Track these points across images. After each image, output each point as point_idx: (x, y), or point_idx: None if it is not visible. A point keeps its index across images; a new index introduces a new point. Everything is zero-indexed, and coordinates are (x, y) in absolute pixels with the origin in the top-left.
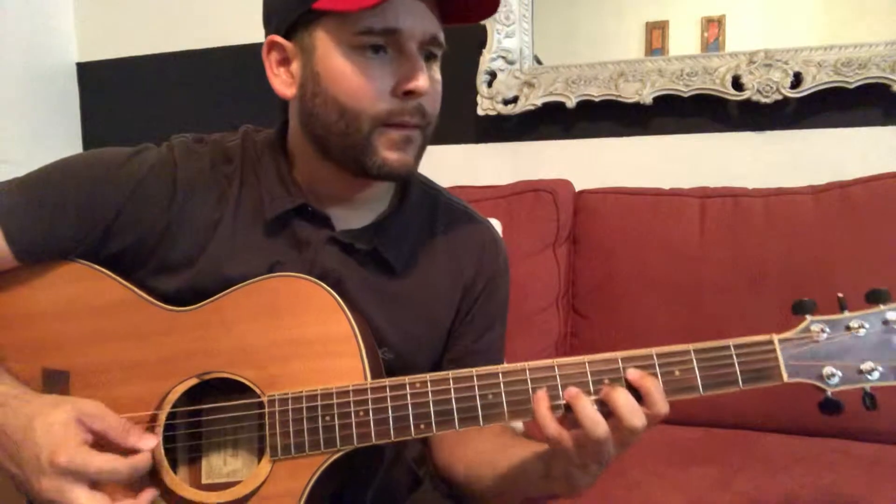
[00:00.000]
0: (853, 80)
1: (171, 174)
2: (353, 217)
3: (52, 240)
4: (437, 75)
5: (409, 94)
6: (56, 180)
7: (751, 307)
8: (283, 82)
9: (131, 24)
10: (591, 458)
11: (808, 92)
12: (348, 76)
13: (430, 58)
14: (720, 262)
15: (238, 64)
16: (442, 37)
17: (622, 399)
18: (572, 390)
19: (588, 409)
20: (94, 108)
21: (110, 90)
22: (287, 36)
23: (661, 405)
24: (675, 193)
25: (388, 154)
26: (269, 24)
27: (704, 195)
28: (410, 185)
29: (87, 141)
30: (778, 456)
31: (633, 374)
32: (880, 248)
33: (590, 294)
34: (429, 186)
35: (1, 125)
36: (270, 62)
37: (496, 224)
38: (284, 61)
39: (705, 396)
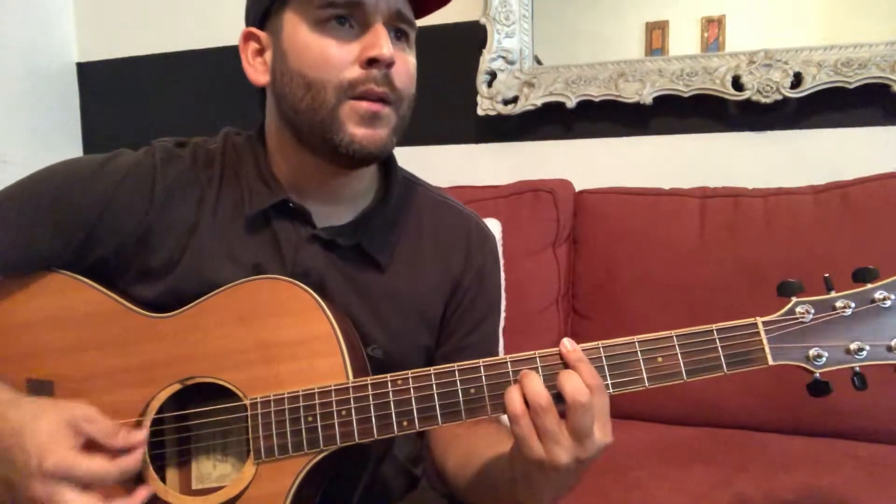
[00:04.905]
0: (853, 80)
1: (149, 179)
2: (334, 213)
3: (30, 253)
4: (411, 56)
5: (374, 62)
6: (30, 194)
7: (751, 307)
8: (256, 71)
9: (131, 24)
10: (560, 443)
11: (808, 92)
12: (312, 48)
13: (400, 37)
14: (720, 262)
15: (238, 64)
16: (410, 14)
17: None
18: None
19: (573, 377)
20: (94, 108)
21: (110, 90)
22: (261, 26)
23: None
24: (675, 193)
25: (356, 130)
26: (248, 18)
27: (704, 195)
28: (393, 180)
29: (87, 141)
30: (778, 456)
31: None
32: (880, 248)
33: (590, 294)
34: (410, 181)
35: (1, 125)
36: (246, 54)
37: (496, 224)
38: (259, 52)
39: (690, 383)
